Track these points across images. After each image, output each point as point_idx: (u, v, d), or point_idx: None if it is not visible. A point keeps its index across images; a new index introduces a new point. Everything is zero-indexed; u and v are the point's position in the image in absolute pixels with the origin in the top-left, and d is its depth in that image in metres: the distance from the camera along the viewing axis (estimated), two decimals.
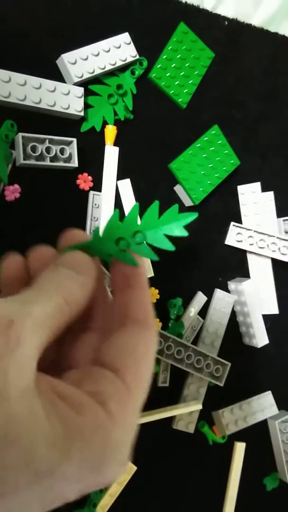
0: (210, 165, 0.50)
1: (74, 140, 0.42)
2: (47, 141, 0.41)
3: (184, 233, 0.23)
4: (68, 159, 0.43)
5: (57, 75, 0.43)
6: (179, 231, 0.23)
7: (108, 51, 0.44)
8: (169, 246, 0.23)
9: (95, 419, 0.18)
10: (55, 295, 0.20)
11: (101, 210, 0.46)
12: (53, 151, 0.41)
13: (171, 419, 0.50)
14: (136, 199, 0.48)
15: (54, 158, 0.42)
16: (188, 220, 0.23)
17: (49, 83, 0.41)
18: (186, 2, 0.51)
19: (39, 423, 0.16)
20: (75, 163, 0.43)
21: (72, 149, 0.42)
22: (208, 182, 0.50)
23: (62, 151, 0.42)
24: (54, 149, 0.41)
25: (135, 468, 0.48)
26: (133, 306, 0.22)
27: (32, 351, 0.17)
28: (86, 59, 0.43)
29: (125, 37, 0.45)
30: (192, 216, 0.23)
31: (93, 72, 0.43)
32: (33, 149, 0.41)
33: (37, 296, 0.19)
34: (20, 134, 0.39)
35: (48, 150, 0.41)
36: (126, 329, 0.22)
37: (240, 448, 0.54)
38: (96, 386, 0.19)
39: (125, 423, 0.19)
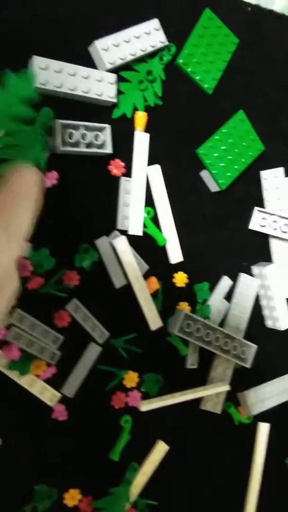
0: (236, 150, 0.51)
1: (108, 126, 0.43)
2: (82, 127, 0.42)
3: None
4: (102, 146, 0.43)
5: (88, 61, 0.44)
6: None
7: (139, 37, 0.44)
8: None
9: None
10: None
11: (132, 195, 0.47)
12: (88, 138, 0.42)
13: (199, 400, 0.51)
14: (165, 184, 0.49)
15: (89, 145, 0.42)
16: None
17: (83, 70, 0.41)
18: None
19: None
20: (108, 149, 0.43)
21: (106, 136, 0.43)
22: (235, 167, 0.51)
23: (96, 137, 0.43)
24: (89, 135, 0.42)
25: (167, 447, 0.49)
26: None
27: None
28: (118, 45, 0.43)
29: (155, 23, 0.45)
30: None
31: (124, 59, 0.44)
32: (70, 135, 0.41)
33: None
34: (59, 121, 0.40)
35: (83, 136, 0.42)
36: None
37: (263, 429, 0.55)
38: None
39: None
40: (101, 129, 0.43)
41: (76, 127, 0.42)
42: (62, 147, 0.40)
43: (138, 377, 0.48)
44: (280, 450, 0.58)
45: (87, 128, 0.42)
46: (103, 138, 0.43)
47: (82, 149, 0.42)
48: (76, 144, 0.42)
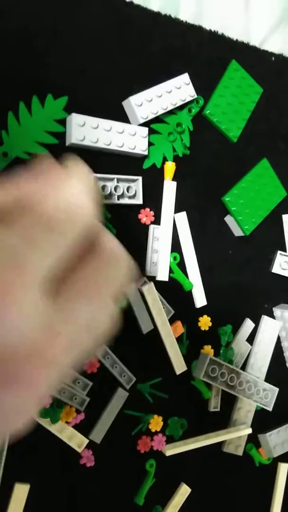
0: (260, 197, 0.52)
1: (140, 178, 0.44)
2: (115, 180, 0.43)
3: None
4: (133, 196, 0.44)
5: (121, 115, 0.45)
6: None
7: (170, 92, 0.46)
8: None
9: None
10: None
11: (160, 242, 0.48)
12: (121, 190, 0.43)
13: (221, 442, 0.52)
14: (191, 230, 0.50)
15: (120, 196, 0.44)
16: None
17: (118, 125, 0.43)
18: (236, 40, 0.53)
19: None
20: (139, 200, 0.45)
21: (138, 187, 0.44)
22: (259, 213, 0.52)
23: (128, 189, 0.44)
24: (121, 187, 0.43)
25: (189, 489, 0.50)
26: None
27: None
28: (151, 100, 0.45)
29: (185, 77, 0.47)
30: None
31: (156, 113, 0.45)
32: (103, 188, 0.42)
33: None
34: (94, 175, 0.41)
35: (116, 188, 0.43)
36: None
37: (283, 469, 0.56)
38: None
39: None
40: (133, 181, 0.44)
41: (109, 180, 0.43)
42: None
43: (162, 421, 0.48)
44: None
45: (119, 180, 0.43)
46: (134, 189, 0.44)
47: (114, 201, 0.43)
48: (109, 196, 0.43)
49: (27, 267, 0.18)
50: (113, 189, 0.43)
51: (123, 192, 0.44)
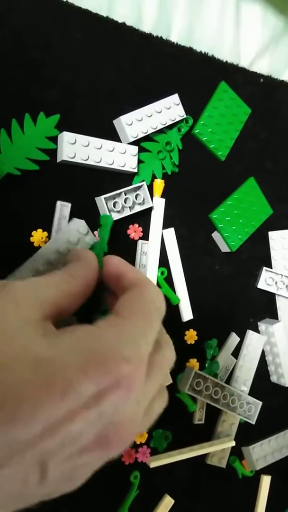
0: (246, 215, 0.54)
1: (144, 183, 0.46)
2: (123, 193, 0.45)
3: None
4: (143, 202, 0.46)
5: (112, 133, 0.47)
6: None
7: (160, 112, 0.47)
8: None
9: (86, 331, 0.24)
10: (60, 272, 0.29)
11: (147, 257, 0.49)
12: (130, 201, 0.45)
13: (205, 454, 0.53)
14: (178, 246, 0.51)
15: (131, 207, 0.45)
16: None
17: (108, 144, 0.44)
18: (226, 61, 0.54)
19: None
20: (149, 203, 0.47)
21: (144, 192, 0.46)
22: (245, 230, 0.54)
23: (136, 197, 0.45)
24: (131, 198, 0.45)
25: (172, 501, 0.51)
26: (128, 276, 0.31)
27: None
28: (141, 120, 0.46)
29: (175, 98, 0.48)
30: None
31: (146, 132, 0.46)
32: (114, 205, 0.44)
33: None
34: (102, 197, 0.43)
35: (126, 201, 0.45)
36: (127, 291, 0.29)
37: (266, 481, 0.57)
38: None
39: (118, 333, 0.24)
40: (138, 188, 0.46)
41: (117, 195, 0.44)
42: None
43: (147, 433, 0.49)
44: (281, 501, 0.59)
45: (127, 192, 0.45)
46: (142, 196, 0.46)
47: (127, 213, 0.45)
48: (122, 210, 0.44)
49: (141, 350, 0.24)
50: (123, 203, 0.45)
51: (133, 202, 0.45)
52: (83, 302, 0.29)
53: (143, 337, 0.25)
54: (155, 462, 0.48)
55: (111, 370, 0.21)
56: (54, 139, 0.43)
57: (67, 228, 0.42)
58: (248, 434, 0.56)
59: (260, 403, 0.54)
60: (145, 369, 0.24)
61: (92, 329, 0.24)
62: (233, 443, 0.53)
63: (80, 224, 0.42)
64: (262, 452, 0.56)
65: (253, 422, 0.54)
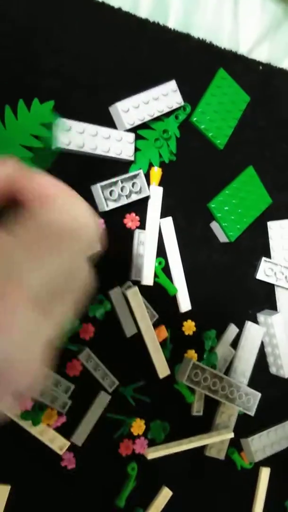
0: (245, 204, 0.53)
1: (141, 171, 0.45)
2: (119, 181, 0.44)
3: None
4: (140, 191, 0.45)
5: (109, 120, 0.46)
6: None
7: (157, 99, 0.46)
8: None
9: None
10: None
11: (145, 247, 0.48)
12: (127, 189, 0.44)
13: (203, 446, 0.52)
14: (176, 236, 0.50)
15: (128, 195, 0.45)
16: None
17: (104, 131, 0.43)
18: (225, 48, 0.53)
19: None
20: (147, 192, 0.46)
21: (141, 180, 0.46)
22: (244, 219, 0.53)
23: (133, 185, 0.45)
24: (127, 187, 0.44)
25: (171, 493, 0.50)
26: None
27: None
28: (138, 107, 0.45)
29: (172, 85, 0.48)
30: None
31: (143, 119, 0.46)
32: (111, 193, 0.43)
33: None
34: (98, 185, 0.42)
35: (122, 189, 0.44)
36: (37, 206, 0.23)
37: (265, 473, 0.56)
38: None
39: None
40: (135, 177, 0.45)
41: (114, 184, 0.44)
42: (106, 208, 0.43)
43: (145, 424, 0.49)
44: (280, 493, 0.59)
45: (123, 181, 0.44)
46: (139, 184, 0.45)
47: (125, 201, 0.44)
48: (118, 198, 0.44)
49: (24, 280, 0.19)
50: (120, 191, 0.44)
51: (129, 190, 0.45)
52: None
53: (36, 267, 0.20)
54: (153, 454, 0.48)
55: None
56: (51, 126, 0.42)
57: None
58: (247, 426, 0.55)
59: (259, 394, 0.53)
60: (30, 306, 0.20)
61: None
62: (232, 435, 0.52)
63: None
64: (261, 444, 0.55)
65: (252, 414, 0.53)
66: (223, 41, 0.54)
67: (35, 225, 0.21)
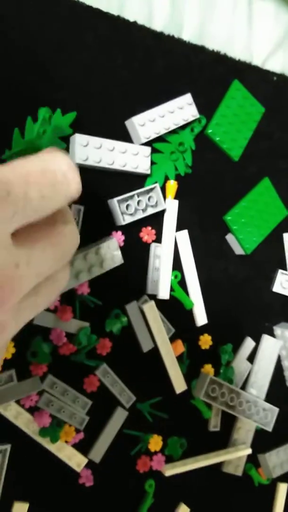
0: (261, 216, 0.52)
1: (157, 185, 0.45)
2: (135, 195, 0.44)
3: None
4: (156, 205, 0.45)
5: (124, 134, 0.46)
6: None
7: (173, 112, 0.46)
8: None
9: None
10: None
11: (161, 260, 0.48)
12: (143, 203, 0.44)
13: (221, 462, 0.52)
14: (192, 249, 0.50)
15: (144, 210, 0.44)
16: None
17: (121, 145, 0.43)
18: (239, 60, 0.53)
19: None
20: (162, 205, 0.46)
21: (157, 194, 0.45)
22: (261, 232, 0.52)
23: (149, 199, 0.44)
24: (144, 200, 0.44)
25: (188, 510, 0.49)
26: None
27: None
28: (153, 121, 0.45)
29: (187, 98, 0.47)
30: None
31: (159, 133, 0.45)
32: (127, 207, 0.43)
33: None
34: (115, 199, 0.42)
35: (139, 203, 0.44)
36: None
37: (282, 489, 0.56)
38: None
39: None
40: (151, 190, 0.45)
41: (130, 198, 0.43)
42: (123, 222, 0.42)
43: (162, 440, 0.48)
44: None
45: (140, 195, 0.44)
46: (155, 198, 0.45)
47: (141, 215, 0.44)
48: (135, 213, 0.43)
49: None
50: (136, 205, 0.44)
51: (145, 204, 0.44)
52: None
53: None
54: (170, 471, 0.47)
55: None
56: (65, 139, 0.42)
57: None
58: (264, 441, 0.55)
59: (277, 409, 0.52)
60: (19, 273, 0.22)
61: None
62: (250, 451, 0.51)
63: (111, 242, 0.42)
64: (279, 460, 0.54)
65: (270, 429, 0.52)
66: (237, 52, 0.54)
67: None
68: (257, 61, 0.56)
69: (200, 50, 0.50)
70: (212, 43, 0.52)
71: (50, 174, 0.24)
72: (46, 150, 0.26)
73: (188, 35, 0.51)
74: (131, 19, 0.46)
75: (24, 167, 0.23)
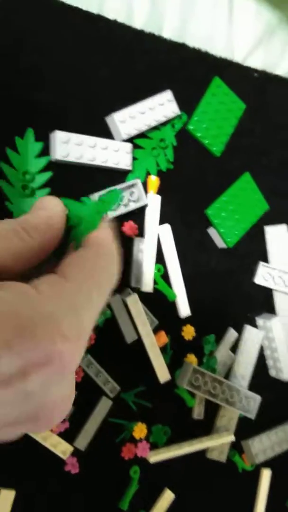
0: (242, 210, 0.54)
1: (138, 180, 0.46)
2: None
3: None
4: (138, 200, 0.46)
5: (106, 131, 0.47)
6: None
7: (153, 109, 0.47)
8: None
9: (20, 291, 0.19)
10: (13, 221, 0.23)
11: (144, 254, 0.49)
12: (125, 199, 0.45)
13: (205, 449, 0.53)
14: (175, 243, 0.51)
15: (126, 204, 0.45)
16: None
17: (102, 142, 0.44)
18: (220, 57, 0.54)
19: None
20: (144, 201, 0.47)
21: (139, 189, 0.46)
22: (242, 225, 0.54)
23: (131, 194, 0.45)
24: (125, 196, 0.45)
25: (173, 495, 0.51)
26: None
27: None
28: (134, 117, 0.46)
29: (168, 95, 0.48)
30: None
31: (140, 129, 0.46)
32: None
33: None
34: (96, 195, 0.43)
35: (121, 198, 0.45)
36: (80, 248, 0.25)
37: (266, 475, 0.57)
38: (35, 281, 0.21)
39: (58, 299, 0.20)
40: (133, 185, 0.46)
41: None
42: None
43: (146, 428, 0.50)
44: (282, 494, 0.59)
45: (121, 190, 0.45)
46: (137, 193, 0.46)
47: (123, 210, 0.45)
48: (116, 208, 0.45)
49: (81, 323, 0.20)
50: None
51: (127, 199, 0.45)
52: (38, 263, 0.23)
53: (88, 305, 0.21)
54: (155, 457, 0.49)
55: (42, 345, 0.18)
56: (45, 138, 0.43)
57: None
58: (247, 429, 0.56)
59: (259, 397, 0.54)
60: (85, 344, 0.20)
61: (27, 289, 0.19)
62: (233, 438, 0.53)
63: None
64: (262, 446, 0.56)
65: (253, 417, 0.54)
66: (218, 50, 0.55)
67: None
68: (238, 58, 0.57)
69: (180, 48, 0.51)
70: (193, 41, 0.53)
71: None
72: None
73: (169, 33, 0.52)
74: (111, 18, 0.47)
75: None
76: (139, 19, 0.49)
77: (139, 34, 0.49)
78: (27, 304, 0.19)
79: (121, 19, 0.48)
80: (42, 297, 0.19)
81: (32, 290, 0.20)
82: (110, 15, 0.47)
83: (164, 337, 0.51)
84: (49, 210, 0.24)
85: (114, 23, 0.47)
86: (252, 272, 0.57)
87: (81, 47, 0.45)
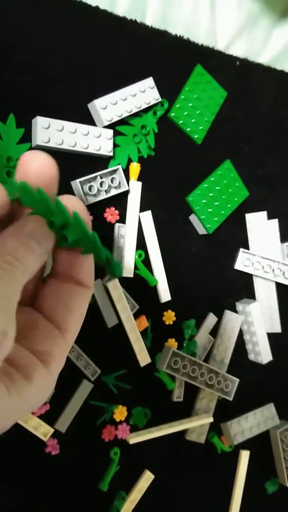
0: (222, 197, 0.55)
1: (119, 167, 0.47)
2: (98, 177, 0.45)
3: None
4: (119, 186, 0.47)
5: (87, 117, 0.47)
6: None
7: (135, 95, 0.48)
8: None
9: (42, 383, 0.22)
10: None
11: (125, 240, 0.50)
12: (106, 184, 0.45)
13: (184, 431, 0.55)
14: (156, 229, 0.52)
15: (107, 190, 0.46)
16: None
17: (83, 128, 0.44)
18: (202, 44, 0.54)
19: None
20: (125, 186, 0.48)
21: (120, 175, 0.47)
22: (222, 212, 0.54)
23: (112, 180, 0.46)
24: (106, 182, 0.45)
25: (152, 476, 0.52)
26: (79, 269, 0.25)
27: None
28: (115, 103, 0.46)
29: (149, 81, 0.49)
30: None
31: (121, 115, 0.47)
32: (90, 188, 0.45)
33: None
34: (77, 180, 0.43)
35: (101, 184, 0.45)
36: (71, 287, 0.25)
37: (244, 456, 0.59)
38: (43, 345, 0.23)
39: (57, 374, 0.23)
40: (114, 172, 0.46)
41: (93, 179, 0.45)
42: (86, 202, 0.44)
43: (126, 410, 0.51)
44: (260, 475, 0.61)
45: (102, 176, 0.45)
46: (118, 179, 0.46)
47: (104, 196, 0.45)
48: (98, 194, 0.45)
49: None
50: (99, 186, 0.45)
51: (108, 185, 0.46)
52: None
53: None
54: (135, 439, 0.50)
55: None
56: (27, 123, 0.43)
57: None
58: (226, 411, 0.58)
59: (237, 380, 0.55)
60: None
61: None
62: (211, 419, 0.54)
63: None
64: (240, 428, 0.58)
65: (231, 399, 0.55)
66: (200, 37, 0.55)
67: None
68: (220, 46, 0.57)
69: (163, 35, 0.52)
70: (175, 28, 0.53)
71: None
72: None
73: (151, 20, 0.52)
74: (93, 4, 0.47)
75: None
76: (121, 6, 0.50)
77: (122, 21, 0.49)
78: (45, 391, 0.24)
79: (103, 5, 0.48)
80: (52, 382, 0.24)
81: (49, 377, 0.24)
82: (92, 2, 0.47)
83: (144, 322, 0.52)
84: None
85: (96, 9, 0.47)
86: (232, 258, 0.58)
87: (63, 33, 0.45)
